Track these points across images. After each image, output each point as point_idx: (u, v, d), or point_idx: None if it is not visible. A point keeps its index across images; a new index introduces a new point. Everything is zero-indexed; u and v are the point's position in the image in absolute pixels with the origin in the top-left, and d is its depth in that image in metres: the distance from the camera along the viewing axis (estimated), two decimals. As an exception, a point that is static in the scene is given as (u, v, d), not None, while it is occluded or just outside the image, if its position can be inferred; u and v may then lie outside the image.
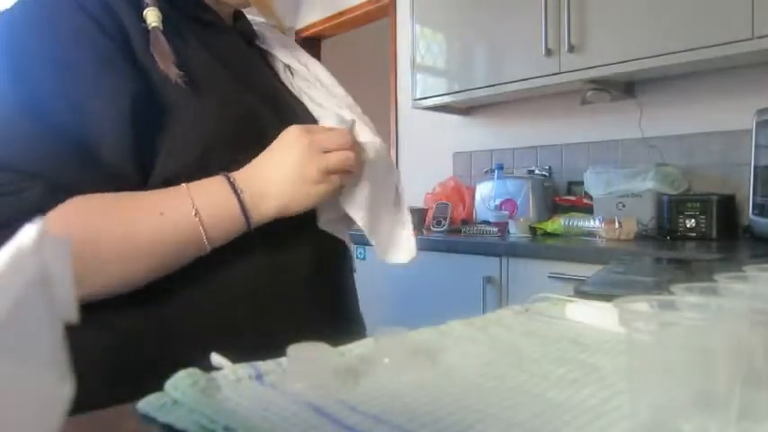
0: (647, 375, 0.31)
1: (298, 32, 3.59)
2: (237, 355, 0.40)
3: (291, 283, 0.63)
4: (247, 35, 0.76)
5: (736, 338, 0.29)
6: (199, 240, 0.55)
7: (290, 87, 0.75)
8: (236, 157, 0.59)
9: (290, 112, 0.70)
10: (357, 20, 3.28)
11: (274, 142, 0.60)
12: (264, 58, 0.77)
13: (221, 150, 0.59)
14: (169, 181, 0.56)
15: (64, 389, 0.19)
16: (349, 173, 0.62)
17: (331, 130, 0.62)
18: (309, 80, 0.75)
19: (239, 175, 0.58)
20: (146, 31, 0.58)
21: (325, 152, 0.59)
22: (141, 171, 0.56)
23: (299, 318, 0.63)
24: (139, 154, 0.55)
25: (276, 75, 0.76)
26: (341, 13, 3.28)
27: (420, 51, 2.43)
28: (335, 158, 0.59)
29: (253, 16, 0.81)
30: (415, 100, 2.46)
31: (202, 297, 0.58)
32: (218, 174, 0.58)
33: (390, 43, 3.04)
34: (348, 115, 0.68)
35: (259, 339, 0.54)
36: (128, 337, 0.57)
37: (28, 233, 0.18)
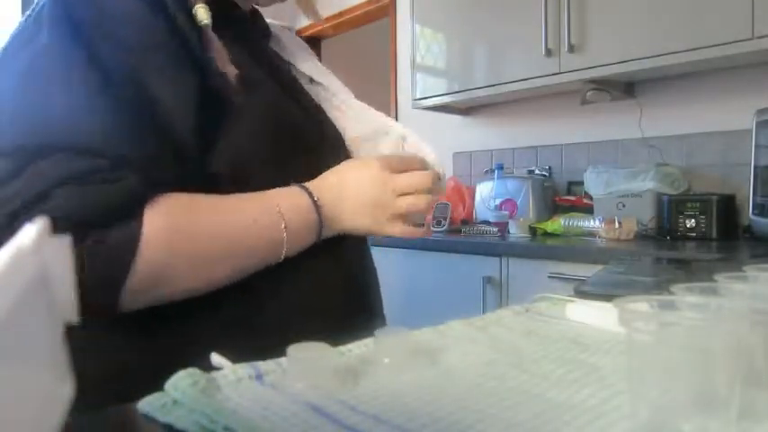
0: (647, 375, 0.31)
1: (298, 32, 3.58)
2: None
3: (336, 287, 0.64)
4: (266, 35, 0.76)
5: (736, 338, 0.29)
6: (279, 250, 0.56)
7: (314, 97, 0.74)
8: (285, 159, 0.60)
9: (325, 120, 0.71)
10: (357, 20, 3.28)
11: (352, 164, 0.63)
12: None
13: (272, 151, 0.59)
14: (220, 176, 0.56)
15: (64, 389, 0.19)
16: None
17: (410, 169, 0.64)
18: (333, 94, 0.74)
19: (316, 189, 0.59)
20: (196, 29, 0.56)
21: (401, 194, 0.62)
22: (203, 162, 0.56)
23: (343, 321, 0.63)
24: (193, 145, 0.55)
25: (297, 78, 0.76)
26: (341, 13, 3.28)
27: (420, 51, 2.43)
28: (410, 204, 0.62)
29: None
30: (415, 100, 2.46)
31: (244, 308, 0.58)
32: (259, 180, 0.58)
33: (390, 43, 3.04)
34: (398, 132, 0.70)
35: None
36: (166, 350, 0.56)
37: (28, 233, 0.18)
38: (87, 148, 0.48)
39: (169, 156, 0.53)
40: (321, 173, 0.62)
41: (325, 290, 0.63)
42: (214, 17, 0.58)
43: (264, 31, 0.75)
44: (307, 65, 0.76)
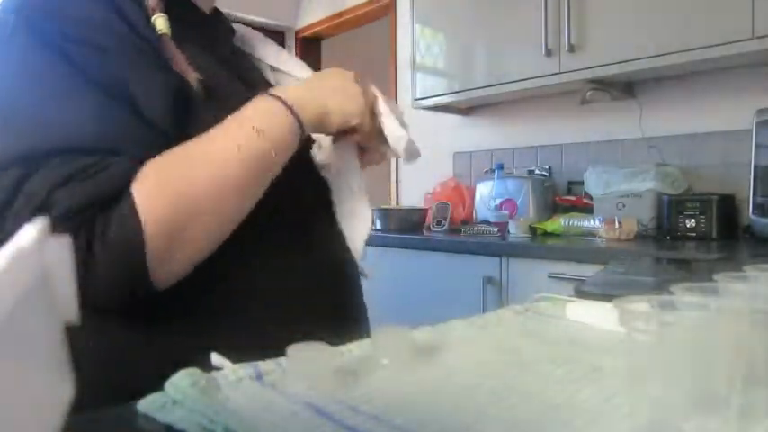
0: (646, 375, 0.31)
1: (298, 32, 3.59)
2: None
3: (313, 288, 0.64)
4: (229, 33, 0.76)
5: (736, 338, 0.29)
6: (269, 157, 0.56)
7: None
8: None
9: None
10: (357, 20, 3.28)
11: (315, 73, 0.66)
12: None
13: None
14: None
15: (64, 389, 0.19)
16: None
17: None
18: (298, 81, 0.75)
19: (280, 92, 0.59)
20: (156, 37, 0.57)
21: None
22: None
23: (315, 319, 0.63)
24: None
25: (262, 74, 0.77)
26: (341, 13, 3.28)
27: (420, 51, 2.42)
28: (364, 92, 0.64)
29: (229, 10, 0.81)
30: (415, 100, 2.45)
31: (225, 303, 0.58)
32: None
33: (390, 43, 3.04)
34: None
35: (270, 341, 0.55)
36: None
37: (28, 233, 0.18)
38: (81, 148, 0.50)
39: (152, 143, 0.53)
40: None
41: (312, 292, 0.64)
42: (175, 22, 0.59)
43: (227, 29, 0.76)
44: (270, 55, 0.78)
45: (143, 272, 0.49)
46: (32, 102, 0.51)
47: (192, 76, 0.57)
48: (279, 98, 0.58)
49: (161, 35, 0.58)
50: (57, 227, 0.45)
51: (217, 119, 0.57)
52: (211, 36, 0.69)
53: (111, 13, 0.55)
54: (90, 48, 0.53)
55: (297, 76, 0.76)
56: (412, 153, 0.68)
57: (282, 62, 0.77)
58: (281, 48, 0.82)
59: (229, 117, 0.56)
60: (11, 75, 0.52)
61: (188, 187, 0.52)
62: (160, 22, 0.58)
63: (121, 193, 0.50)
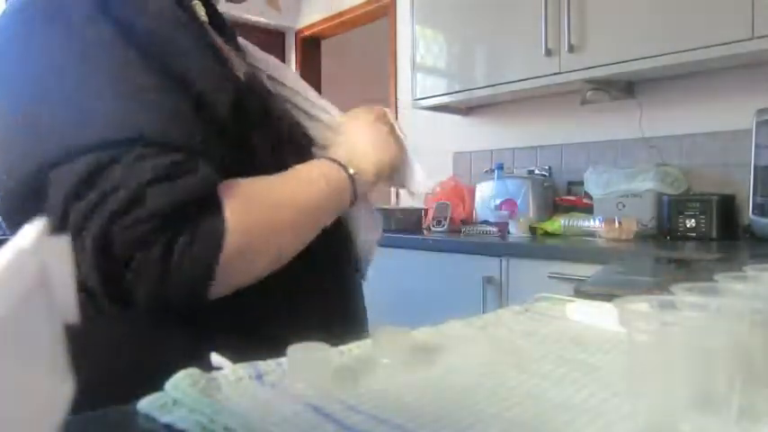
0: (647, 375, 0.31)
1: (298, 32, 3.59)
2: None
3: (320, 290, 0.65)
4: (232, 34, 0.76)
5: (736, 338, 0.29)
6: (347, 197, 0.62)
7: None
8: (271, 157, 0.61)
9: (290, 118, 0.71)
10: (357, 20, 3.28)
11: (349, 124, 0.69)
12: None
13: (261, 149, 0.60)
14: (258, 148, 0.58)
15: (64, 389, 0.19)
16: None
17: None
18: (290, 88, 0.75)
19: (333, 154, 0.64)
20: (200, 25, 0.57)
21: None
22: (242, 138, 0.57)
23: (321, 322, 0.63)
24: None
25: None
26: (341, 13, 3.28)
27: (420, 51, 2.42)
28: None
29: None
30: (415, 100, 2.45)
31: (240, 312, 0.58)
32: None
33: (390, 43, 3.04)
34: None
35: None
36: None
37: (28, 233, 0.18)
38: (164, 142, 0.48)
39: (216, 137, 0.53)
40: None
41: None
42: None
43: (231, 30, 0.76)
44: (262, 61, 0.77)
45: (210, 286, 0.48)
46: (106, 90, 0.48)
47: (239, 65, 0.57)
48: (347, 173, 0.62)
49: (203, 22, 0.57)
50: (137, 225, 0.45)
51: (260, 113, 0.59)
52: (223, 32, 0.69)
53: (174, 3, 0.54)
54: (162, 40, 0.51)
55: (291, 86, 0.75)
56: (424, 191, 0.75)
57: (272, 68, 0.76)
58: (266, 53, 0.81)
59: (303, 167, 0.60)
60: (83, 60, 0.49)
61: (271, 216, 0.53)
62: (199, 8, 0.57)
63: (206, 200, 0.49)
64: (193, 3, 0.57)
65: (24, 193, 0.48)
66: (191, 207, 0.47)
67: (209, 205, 0.49)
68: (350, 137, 0.67)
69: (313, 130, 0.72)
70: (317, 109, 0.73)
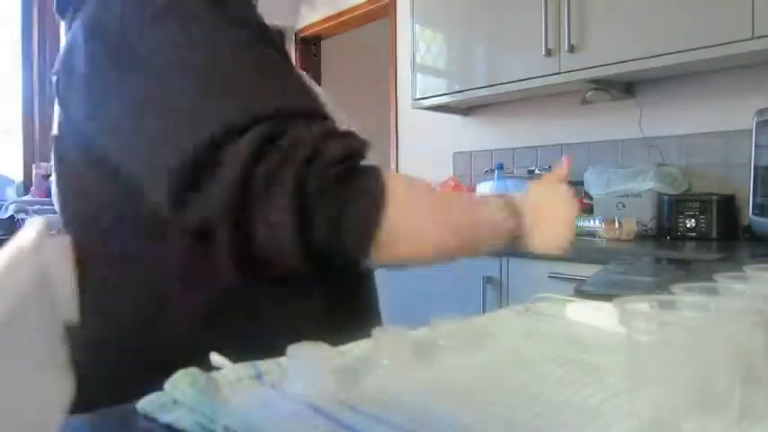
0: (647, 375, 0.31)
1: (298, 32, 3.59)
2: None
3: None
4: None
5: (736, 338, 0.29)
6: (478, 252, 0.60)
7: None
8: None
9: None
10: (357, 20, 3.28)
11: (547, 189, 0.68)
12: None
13: None
14: None
15: (64, 389, 0.19)
16: None
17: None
18: None
19: (521, 208, 0.62)
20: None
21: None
22: None
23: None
24: None
25: None
26: (341, 13, 3.28)
27: (420, 51, 2.42)
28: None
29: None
30: (415, 100, 2.45)
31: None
32: None
33: (390, 43, 3.04)
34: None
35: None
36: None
37: (28, 233, 0.18)
38: (315, 112, 0.51)
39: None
40: None
41: (339, 319, 0.63)
42: None
43: None
44: None
45: (377, 235, 0.48)
46: (255, 72, 0.50)
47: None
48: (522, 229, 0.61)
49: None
50: (316, 176, 0.45)
51: None
52: None
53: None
54: (266, 37, 0.54)
55: None
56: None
57: None
58: None
59: (485, 202, 0.60)
60: (214, 45, 0.50)
61: (436, 205, 0.54)
62: None
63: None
64: None
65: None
66: (361, 158, 0.50)
67: (369, 170, 0.50)
68: (548, 206, 0.66)
69: None
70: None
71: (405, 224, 0.50)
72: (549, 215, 0.64)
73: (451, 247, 0.55)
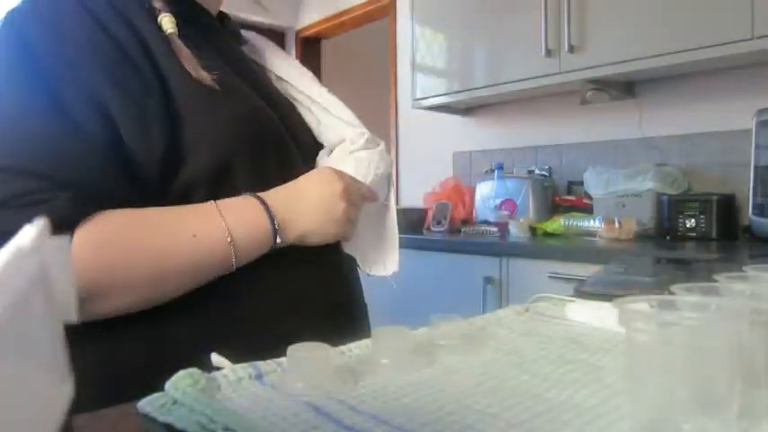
0: (647, 375, 0.31)
1: (298, 32, 3.59)
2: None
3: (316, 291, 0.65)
4: (236, 36, 0.76)
5: (736, 338, 0.29)
6: (228, 262, 0.55)
7: (288, 97, 0.75)
8: (254, 165, 0.60)
9: (297, 123, 0.72)
10: (357, 20, 3.28)
11: (307, 176, 0.62)
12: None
13: (241, 157, 0.59)
14: (189, 187, 0.56)
15: (64, 389, 0.19)
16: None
17: (358, 180, 0.66)
18: (303, 94, 0.74)
19: (270, 199, 0.58)
20: (163, 38, 0.57)
21: (352, 202, 0.63)
22: (161, 175, 0.55)
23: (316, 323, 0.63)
24: (161, 158, 0.55)
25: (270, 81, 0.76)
26: (341, 13, 3.28)
27: (420, 51, 2.42)
28: (358, 211, 0.65)
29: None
30: (415, 100, 2.45)
31: (227, 309, 0.58)
32: (238, 184, 0.58)
33: (390, 43, 3.04)
34: (356, 131, 0.71)
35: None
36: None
37: (28, 233, 0.18)
38: (26, 169, 0.48)
39: (124, 177, 0.53)
40: (295, 178, 0.62)
41: (310, 289, 0.64)
42: (183, 24, 0.59)
43: (235, 34, 0.76)
44: (275, 64, 0.77)
45: None
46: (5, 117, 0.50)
47: (204, 76, 0.57)
48: (269, 214, 0.57)
49: (168, 35, 0.58)
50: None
51: (228, 116, 0.57)
52: (218, 38, 0.69)
53: (103, 22, 0.54)
54: (71, 67, 0.52)
55: (297, 86, 0.75)
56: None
57: (285, 71, 0.76)
58: (287, 55, 0.81)
59: (211, 205, 0.56)
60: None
61: (121, 261, 0.51)
62: (166, 22, 0.58)
63: (58, 231, 0.48)
64: (162, 16, 0.58)
65: None
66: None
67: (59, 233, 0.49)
68: (303, 191, 0.61)
69: (324, 132, 0.73)
70: (326, 110, 0.73)
71: (93, 287, 0.49)
72: (304, 204, 0.60)
73: (165, 291, 0.54)
